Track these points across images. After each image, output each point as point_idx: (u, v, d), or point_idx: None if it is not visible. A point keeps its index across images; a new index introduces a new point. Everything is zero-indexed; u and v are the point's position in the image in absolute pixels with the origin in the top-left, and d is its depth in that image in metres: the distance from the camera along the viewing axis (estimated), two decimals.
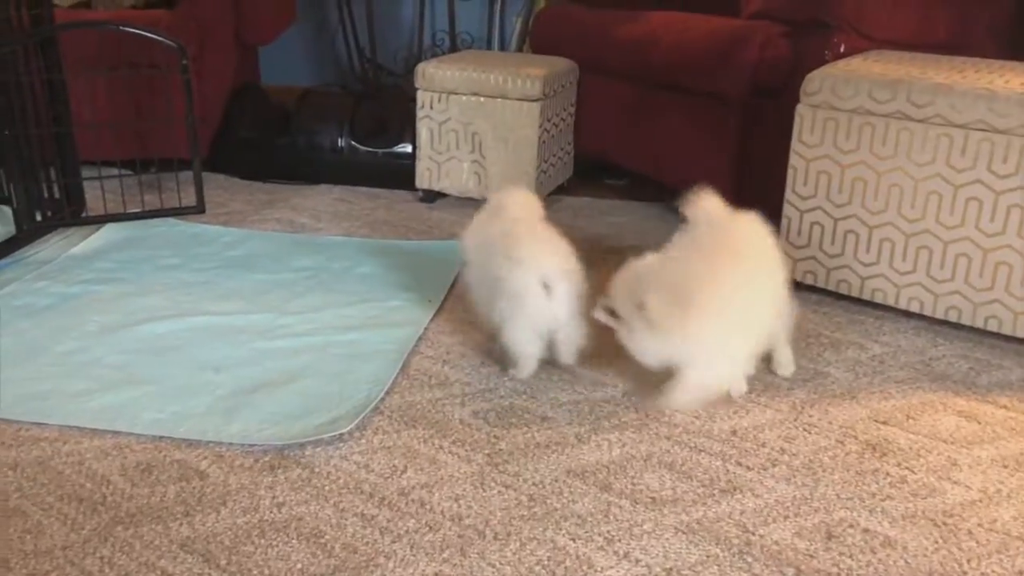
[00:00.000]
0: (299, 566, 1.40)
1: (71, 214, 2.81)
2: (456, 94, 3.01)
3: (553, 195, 3.24)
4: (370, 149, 3.35)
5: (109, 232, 2.78)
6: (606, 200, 3.30)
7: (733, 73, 2.74)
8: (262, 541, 1.46)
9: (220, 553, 1.42)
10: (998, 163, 2.05)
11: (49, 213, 2.75)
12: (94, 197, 2.90)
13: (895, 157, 2.17)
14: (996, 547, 1.49)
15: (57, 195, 2.79)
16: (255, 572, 1.39)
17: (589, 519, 1.54)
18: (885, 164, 2.18)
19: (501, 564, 1.42)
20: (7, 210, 2.72)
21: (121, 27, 2.77)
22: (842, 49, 2.54)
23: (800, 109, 2.29)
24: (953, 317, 2.19)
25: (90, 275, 2.48)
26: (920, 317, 2.29)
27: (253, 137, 3.45)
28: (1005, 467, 1.71)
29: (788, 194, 2.35)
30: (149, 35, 2.63)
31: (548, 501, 1.58)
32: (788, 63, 2.63)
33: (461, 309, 2.31)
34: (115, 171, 2.96)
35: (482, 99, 2.98)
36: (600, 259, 2.71)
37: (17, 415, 1.79)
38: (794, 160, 2.32)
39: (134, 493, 1.57)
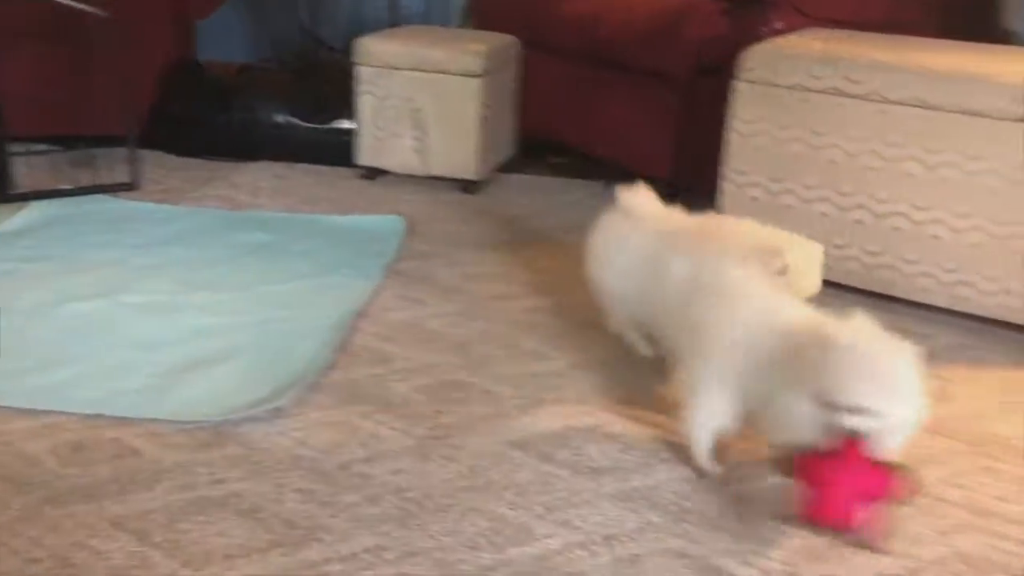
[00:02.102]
0: (237, 542, 1.38)
1: None
2: (397, 69, 2.98)
3: (497, 172, 3.23)
4: (310, 125, 3.30)
5: (38, 210, 2.70)
6: (549, 178, 3.30)
7: (677, 51, 2.76)
8: (199, 518, 1.43)
9: (155, 530, 1.40)
10: (931, 140, 2.10)
11: None
12: (22, 174, 2.81)
13: (831, 133, 2.20)
14: None
15: None
16: (191, 549, 1.36)
17: (529, 489, 1.54)
18: (821, 140, 2.22)
19: (441, 535, 1.42)
20: None
21: None
22: (780, 26, 2.57)
23: (738, 85, 2.31)
24: (882, 289, 2.24)
25: (19, 253, 2.40)
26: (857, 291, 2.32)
27: (190, 113, 3.37)
28: None
29: (725, 170, 2.37)
30: (77, 5, 2.55)
31: (489, 473, 1.58)
32: (728, 41, 2.65)
33: (401, 285, 2.30)
34: (44, 146, 2.87)
35: (423, 75, 2.96)
36: (544, 238, 2.72)
37: None
38: (731, 136, 2.35)
39: (65, 473, 1.53)
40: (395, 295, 2.25)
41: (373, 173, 3.15)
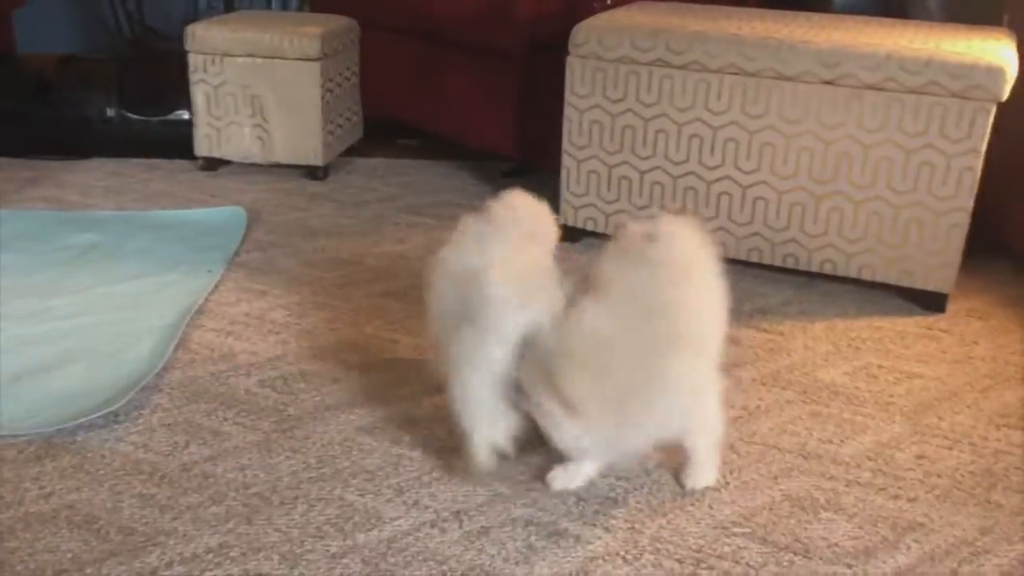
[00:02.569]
0: (70, 555, 1.33)
1: None
2: (231, 56, 2.89)
3: (344, 156, 3.19)
4: (143, 118, 3.16)
5: None
6: (399, 160, 3.28)
7: (510, 29, 2.78)
8: (27, 535, 1.37)
9: None
10: (751, 105, 2.20)
11: None
12: None
13: (659, 104, 2.27)
14: None
15: None
16: (20, 568, 1.30)
17: (379, 473, 1.54)
18: (651, 111, 2.28)
19: (288, 527, 1.41)
20: None
21: None
22: (609, 1, 2.62)
23: (570, 61, 2.35)
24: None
25: None
26: None
27: (9, 110, 3.18)
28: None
29: (565, 145, 2.42)
30: None
31: (337, 461, 1.57)
32: (561, 17, 2.69)
33: (244, 278, 2.25)
34: None
35: (259, 60, 2.88)
36: (390, 221, 2.71)
37: None
38: (568, 111, 2.39)
39: None
40: (237, 288, 2.19)
41: (214, 164, 3.05)
